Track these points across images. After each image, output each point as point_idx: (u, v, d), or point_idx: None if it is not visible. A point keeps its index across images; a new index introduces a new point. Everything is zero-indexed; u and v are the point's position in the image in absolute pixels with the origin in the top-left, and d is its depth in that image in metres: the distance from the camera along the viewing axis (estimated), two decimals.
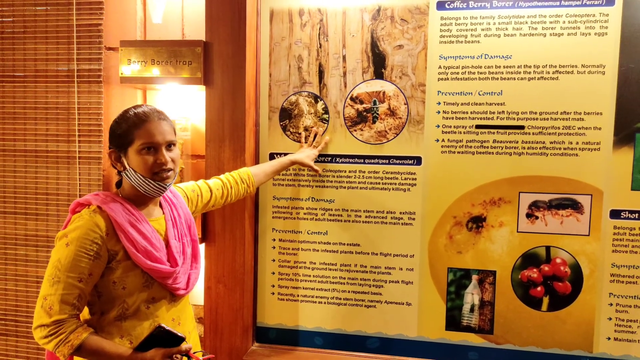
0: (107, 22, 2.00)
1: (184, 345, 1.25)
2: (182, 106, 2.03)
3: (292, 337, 2.02)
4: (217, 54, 1.85)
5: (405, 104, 1.86)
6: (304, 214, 1.97)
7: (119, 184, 1.36)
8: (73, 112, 2.03)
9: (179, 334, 1.23)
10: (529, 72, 1.77)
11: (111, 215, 1.24)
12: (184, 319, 1.40)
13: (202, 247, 1.89)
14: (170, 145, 1.30)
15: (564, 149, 1.77)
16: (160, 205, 1.39)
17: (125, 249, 1.24)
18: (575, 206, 1.79)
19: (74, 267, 1.18)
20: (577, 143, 1.76)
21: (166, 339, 1.23)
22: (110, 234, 1.24)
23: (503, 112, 1.80)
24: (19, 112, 2.08)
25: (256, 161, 1.97)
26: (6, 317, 2.15)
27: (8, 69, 2.08)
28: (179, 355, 1.24)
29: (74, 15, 2.01)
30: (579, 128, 1.76)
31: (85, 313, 1.30)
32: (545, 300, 1.83)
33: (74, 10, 2.00)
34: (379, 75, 1.87)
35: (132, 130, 1.26)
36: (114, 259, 1.24)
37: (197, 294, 2.01)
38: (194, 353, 1.29)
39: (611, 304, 1.80)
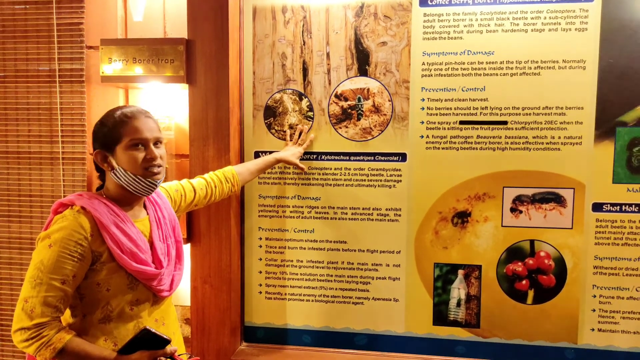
0: (87, 20, 1.97)
1: (169, 348, 1.23)
2: (165, 105, 2.01)
3: (280, 336, 2.02)
4: (200, 52, 1.83)
5: (389, 101, 1.87)
6: (290, 212, 1.97)
7: (99, 189, 1.34)
8: (55, 112, 2.01)
9: (164, 336, 1.22)
10: (511, 68, 1.78)
11: (96, 215, 1.22)
12: (168, 319, 1.39)
13: (187, 248, 1.88)
14: (157, 142, 1.30)
15: (547, 143, 1.79)
16: (144, 206, 1.38)
17: (110, 251, 1.23)
18: (558, 200, 1.80)
19: (57, 268, 1.16)
20: (559, 137, 1.78)
21: (151, 341, 1.22)
22: (95, 235, 1.22)
23: (486, 107, 1.81)
24: None
25: (241, 160, 1.96)
26: None
27: None
28: (163, 358, 1.23)
29: (54, 14, 1.98)
30: (560, 123, 1.78)
31: (67, 315, 1.28)
32: (530, 293, 1.85)
33: (54, 9, 1.98)
34: (363, 72, 1.87)
35: (119, 128, 1.25)
36: (98, 261, 1.22)
37: (184, 294, 2.00)
38: (179, 355, 1.28)
39: (594, 296, 1.82)
